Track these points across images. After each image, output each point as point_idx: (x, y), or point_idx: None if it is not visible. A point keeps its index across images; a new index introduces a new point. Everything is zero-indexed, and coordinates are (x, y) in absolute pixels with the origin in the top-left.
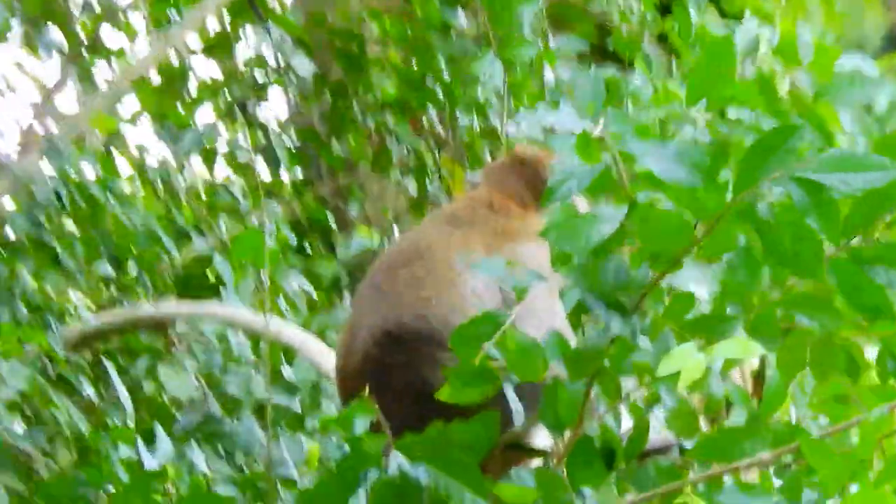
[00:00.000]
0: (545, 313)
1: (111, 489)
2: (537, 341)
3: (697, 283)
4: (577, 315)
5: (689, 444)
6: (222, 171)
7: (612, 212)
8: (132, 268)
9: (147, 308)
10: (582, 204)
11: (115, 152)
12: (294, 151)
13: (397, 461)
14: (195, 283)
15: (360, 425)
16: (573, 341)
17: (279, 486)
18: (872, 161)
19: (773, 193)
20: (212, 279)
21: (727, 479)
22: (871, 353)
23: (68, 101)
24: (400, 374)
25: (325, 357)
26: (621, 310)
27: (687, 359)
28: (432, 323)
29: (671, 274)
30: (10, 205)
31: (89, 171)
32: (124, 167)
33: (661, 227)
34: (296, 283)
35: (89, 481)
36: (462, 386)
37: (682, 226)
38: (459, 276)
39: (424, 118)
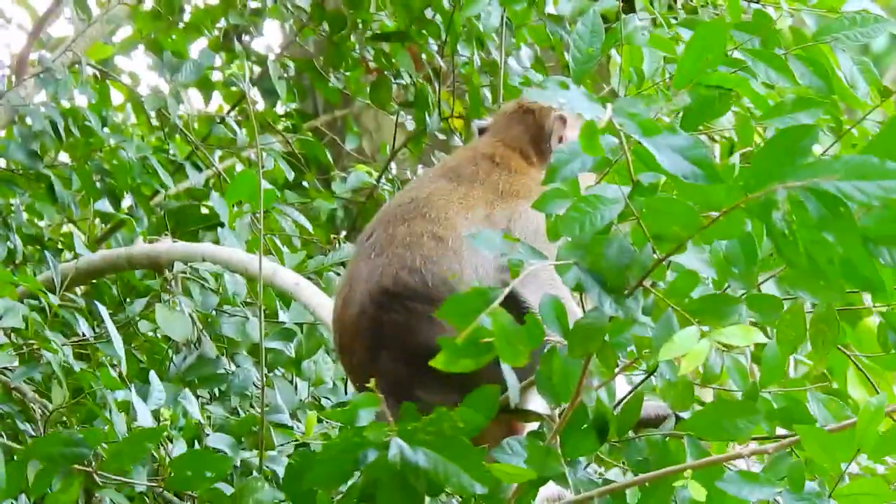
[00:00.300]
0: (546, 276)
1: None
2: (530, 319)
3: (696, 266)
4: (576, 290)
5: (684, 415)
6: (215, 103)
7: (616, 192)
8: (126, 201)
9: (144, 246)
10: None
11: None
12: (290, 83)
13: (398, 445)
14: (189, 218)
15: (366, 418)
16: (572, 305)
17: (273, 431)
18: (888, 168)
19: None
20: (205, 213)
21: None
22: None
23: (62, 28)
24: (395, 332)
25: (321, 302)
26: (616, 291)
27: (690, 344)
28: (429, 282)
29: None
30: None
31: (81, 102)
32: (116, 97)
33: (666, 212)
34: (292, 218)
35: (87, 439)
36: (456, 356)
37: (687, 212)
38: (459, 235)
39: (424, 51)
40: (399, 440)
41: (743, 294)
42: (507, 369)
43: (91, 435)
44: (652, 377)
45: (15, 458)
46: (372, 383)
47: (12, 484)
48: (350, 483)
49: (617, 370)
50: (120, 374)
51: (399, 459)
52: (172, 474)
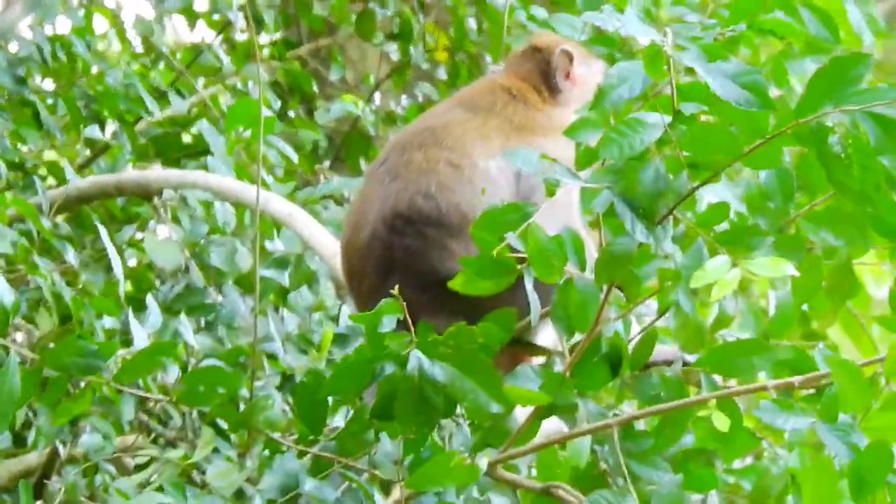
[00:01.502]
0: (563, 210)
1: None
2: (557, 241)
3: (728, 198)
4: (604, 217)
5: (692, 358)
6: (198, 33)
7: (657, 118)
8: (110, 128)
9: (133, 173)
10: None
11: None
12: (275, 12)
13: (417, 357)
14: (172, 145)
15: (388, 324)
16: (588, 241)
17: (265, 360)
18: None
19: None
20: (188, 141)
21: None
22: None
23: None
24: (407, 257)
25: (314, 231)
26: (648, 218)
27: (722, 272)
28: (443, 208)
29: (707, 186)
30: None
31: (64, 29)
32: (99, 24)
33: (707, 139)
34: (277, 148)
35: (101, 352)
36: (476, 276)
37: (729, 139)
38: (475, 164)
39: None
40: (419, 352)
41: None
42: (530, 289)
43: (104, 346)
44: (663, 318)
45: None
46: (396, 289)
47: (25, 391)
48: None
49: (635, 303)
50: (117, 299)
51: (417, 372)
52: (183, 389)
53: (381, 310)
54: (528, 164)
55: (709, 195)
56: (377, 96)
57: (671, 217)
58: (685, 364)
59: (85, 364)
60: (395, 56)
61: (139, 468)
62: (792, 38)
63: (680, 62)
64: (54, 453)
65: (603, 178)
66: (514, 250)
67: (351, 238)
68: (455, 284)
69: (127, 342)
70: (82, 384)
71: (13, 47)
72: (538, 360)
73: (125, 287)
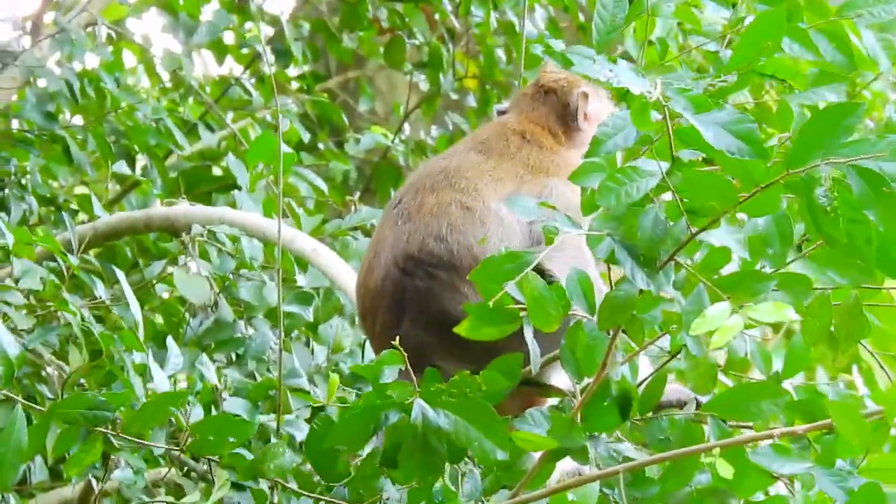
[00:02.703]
0: (573, 251)
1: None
2: (556, 290)
3: (729, 244)
4: (607, 263)
5: (705, 399)
6: (226, 66)
7: (654, 165)
8: (140, 162)
9: (162, 209)
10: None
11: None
12: (303, 44)
13: (420, 406)
14: (202, 179)
15: (390, 375)
16: (598, 282)
17: (290, 395)
18: None
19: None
20: (218, 174)
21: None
22: None
23: None
24: (418, 298)
25: (338, 268)
26: (649, 265)
27: (723, 319)
28: (454, 251)
29: (707, 232)
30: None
31: (93, 64)
32: (128, 59)
33: (704, 186)
34: (308, 180)
35: (109, 402)
36: (481, 322)
37: (726, 187)
38: (487, 206)
39: (438, 11)
40: (422, 401)
41: (774, 271)
42: (529, 338)
43: (113, 397)
44: (675, 359)
45: (34, 420)
46: (396, 341)
47: (33, 444)
48: (371, 448)
49: (642, 346)
50: (140, 339)
51: (421, 421)
52: (194, 438)
53: (382, 360)
54: (527, 212)
55: (712, 240)
56: (407, 126)
57: (672, 262)
58: (698, 404)
59: (93, 416)
60: (424, 86)
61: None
62: (794, 82)
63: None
64: (89, 486)
65: (605, 224)
66: (517, 300)
67: (364, 279)
68: (461, 330)
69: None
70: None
71: (42, 83)
72: (552, 401)
73: (158, 321)
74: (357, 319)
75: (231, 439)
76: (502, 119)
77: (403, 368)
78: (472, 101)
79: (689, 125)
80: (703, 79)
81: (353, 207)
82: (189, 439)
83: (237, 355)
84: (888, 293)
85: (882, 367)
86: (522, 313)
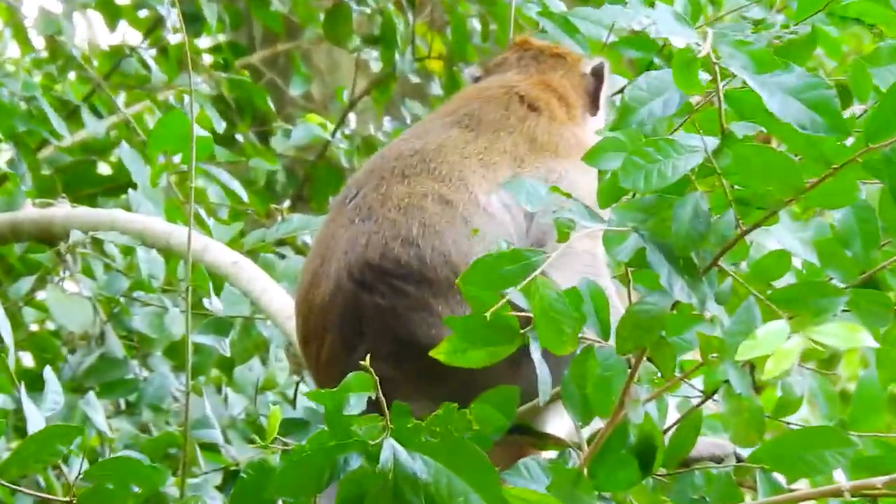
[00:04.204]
0: (586, 258)
1: None
2: (572, 298)
3: (791, 245)
4: (632, 266)
5: (747, 454)
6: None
7: (697, 141)
8: (5, 154)
9: (32, 211)
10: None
11: None
12: (221, 7)
13: (392, 448)
14: (85, 177)
15: (356, 405)
16: (614, 298)
17: (199, 452)
18: None
19: None
20: (106, 173)
21: None
22: None
23: None
24: (378, 320)
25: (265, 287)
26: (689, 270)
27: (779, 341)
28: (427, 257)
29: (762, 228)
30: None
31: None
32: None
33: (763, 168)
34: (221, 182)
35: None
36: (467, 343)
37: (791, 167)
38: (475, 200)
39: None
40: (393, 442)
41: (847, 287)
42: (537, 359)
43: None
44: (710, 400)
45: None
46: (367, 360)
47: None
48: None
49: (671, 383)
50: (7, 371)
51: (392, 467)
52: (87, 487)
53: (347, 386)
54: (534, 200)
55: (767, 240)
56: (352, 117)
57: (714, 269)
58: (738, 460)
59: None
60: (375, 66)
61: None
62: (887, 29)
63: (729, 70)
64: None
65: (628, 216)
66: (516, 309)
67: (308, 293)
68: (439, 354)
69: (22, 428)
70: None
71: None
72: (548, 454)
73: (24, 361)
74: (297, 345)
75: (136, 489)
76: (502, 80)
77: (373, 398)
78: (436, 88)
79: (743, 89)
80: (769, 28)
81: (279, 218)
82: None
83: (128, 403)
84: None
85: None
86: (524, 329)
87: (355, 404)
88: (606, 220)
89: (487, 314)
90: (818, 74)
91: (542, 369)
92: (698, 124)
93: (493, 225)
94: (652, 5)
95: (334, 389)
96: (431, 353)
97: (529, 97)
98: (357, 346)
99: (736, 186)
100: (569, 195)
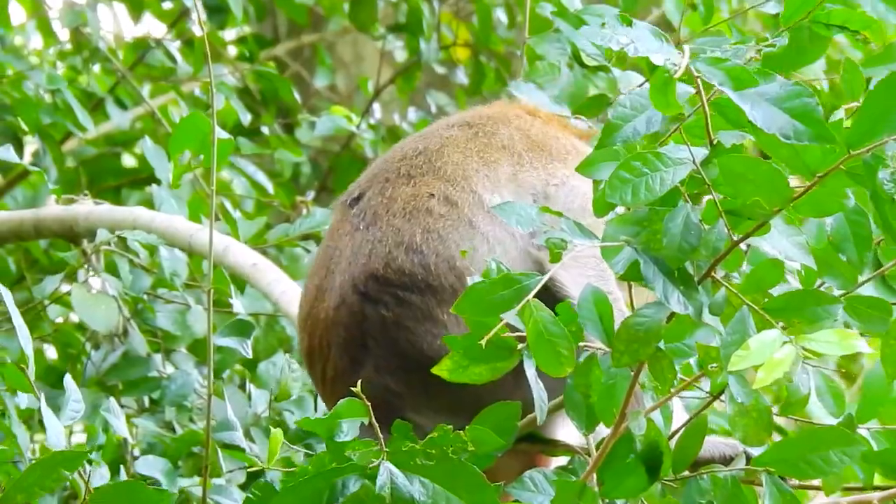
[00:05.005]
0: (593, 263)
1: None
2: (565, 313)
3: (787, 250)
4: (626, 280)
5: (757, 453)
6: (144, 25)
7: (685, 152)
8: (30, 147)
9: (56, 208)
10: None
11: None
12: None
13: (389, 470)
14: (109, 170)
15: (350, 431)
16: (619, 303)
17: (221, 453)
18: None
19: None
20: (131, 164)
21: None
22: None
23: None
24: (384, 333)
25: (284, 289)
26: (685, 281)
27: (772, 351)
28: (432, 265)
29: (755, 237)
30: None
31: None
32: (16, 13)
33: (750, 178)
34: (246, 174)
35: None
36: (467, 361)
37: (777, 178)
38: (479, 200)
39: None
40: (390, 465)
41: (842, 294)
42: (532, 378)
43: None
44: (717, 401)
45: None
46: (358, 387)
47: None
48: None
49: (675, 389)
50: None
51: (389, 490)
52: None
53: (339, 412)
54: (524, 221)
55: (763, 247)
56: (376, 108)
57: (709, 280)
58: (748, 460)
59: None
60: (400, 55)
61: None
62: (872, 35)
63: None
64: None
65: (621, 229)
66: (514, 328)
67: (311, 307)
68: (441, 371)
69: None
70: None
71: None
72: (558, 460)
73: (49, 354)
74: (303, 359)
75: None
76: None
77: (367, 423)
78: (461, 77)
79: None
80: (746, 42)
81: (304, 210)
82: None
83: (152, 400)
84: None
85: None
86: (521, 345)
87: (348, 430)
88: (604, 231)
89: (483, 341)
90: (800, 82)
91: (537, 388)
92: (685, 135)
93: (497, 226)
94: (630, 24)
95: (326, 416)
96: (434, 371)
97: (529, 108)
98: (363, 360)
99: (724, 197)
100: (560, 214)
